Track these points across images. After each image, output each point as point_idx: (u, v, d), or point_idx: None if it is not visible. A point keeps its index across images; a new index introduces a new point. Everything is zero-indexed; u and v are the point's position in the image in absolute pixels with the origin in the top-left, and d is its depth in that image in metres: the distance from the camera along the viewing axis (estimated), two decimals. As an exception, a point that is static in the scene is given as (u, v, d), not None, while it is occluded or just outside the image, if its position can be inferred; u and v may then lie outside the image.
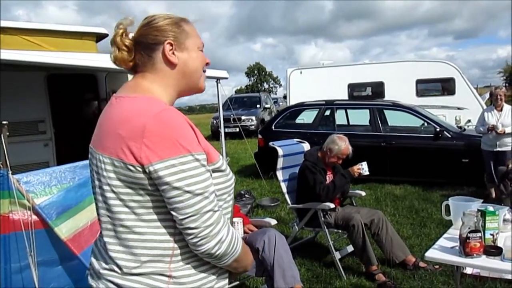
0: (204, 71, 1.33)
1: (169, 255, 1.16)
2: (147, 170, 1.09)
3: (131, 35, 1.26)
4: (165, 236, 1.16)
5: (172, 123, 1.12)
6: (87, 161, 1.27)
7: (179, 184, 1.09)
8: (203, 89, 1.35)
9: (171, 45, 1.24)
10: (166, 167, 1.08)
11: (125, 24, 1.26)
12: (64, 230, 2.65)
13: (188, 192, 1.09)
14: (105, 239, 1.21)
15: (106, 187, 1.17)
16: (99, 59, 5.28)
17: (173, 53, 1.24)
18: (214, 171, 1.20)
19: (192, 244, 1.13)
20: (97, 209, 1.25)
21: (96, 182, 1.21)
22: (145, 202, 1.14)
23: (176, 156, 1.09)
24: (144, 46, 1.24)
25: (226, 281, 1.30)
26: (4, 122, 2.58)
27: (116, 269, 1.17)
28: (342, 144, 3.99)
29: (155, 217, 1.15)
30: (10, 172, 2.56)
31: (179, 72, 1.26)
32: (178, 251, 1.17)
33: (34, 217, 2.60)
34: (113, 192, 1.15)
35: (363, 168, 3.99)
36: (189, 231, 1.11)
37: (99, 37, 6.34)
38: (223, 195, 1.24)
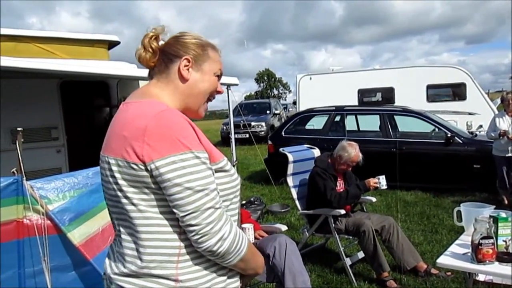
0: (213, 98, 1.40)
1: (176, 254, 1.18)
2: (148, 168, 1.13)
3: (161, 42, 1.34)
4: (171, 235, 1.18)
5: (172, 122, 1.15)
6: (99, 167, 1.30)
7: (180, 181, 1.11)
8: (201, 116, 1.40)
9: (189, 61, 1.31)
10: (167, 163, 1.11)
11: (158, 30, 1.33)
12: (77, 235, 2.68)
13: (188, 188, 1.12)
14: (116, 239, 1.26)
15: (113, 187, 1.20)
16: (111, 66, 5.36)
17: (188, 70, 1.31)
18: (217, 171, 1.22)
19: (194, 241, 1.15)
20: (108, 211, 1.30)
21: (105, 184, 1.25)
22: (150, 201, 1.17)
23: (177, 153, 1.12)
24: (165, 55, 1.32)
25: (237, 284, 1.30)
26: (19, 129, 2.62)
27: (125, 270, 1.19)
28: (352, 152, 3.98)
29: (160, 215, 1.17)
30: (24, 178, 2.60)
31: (187, 88, 1.32)
32: (185, 250, 1.19)
33: (48, 223, 2.64)
34: (119, 191, 1.18)
35: (380, 182, 3.92)
36: (190, 228, 1.13)
37: (111, 44, 6.42)
38: (229, 195, 1.26)
